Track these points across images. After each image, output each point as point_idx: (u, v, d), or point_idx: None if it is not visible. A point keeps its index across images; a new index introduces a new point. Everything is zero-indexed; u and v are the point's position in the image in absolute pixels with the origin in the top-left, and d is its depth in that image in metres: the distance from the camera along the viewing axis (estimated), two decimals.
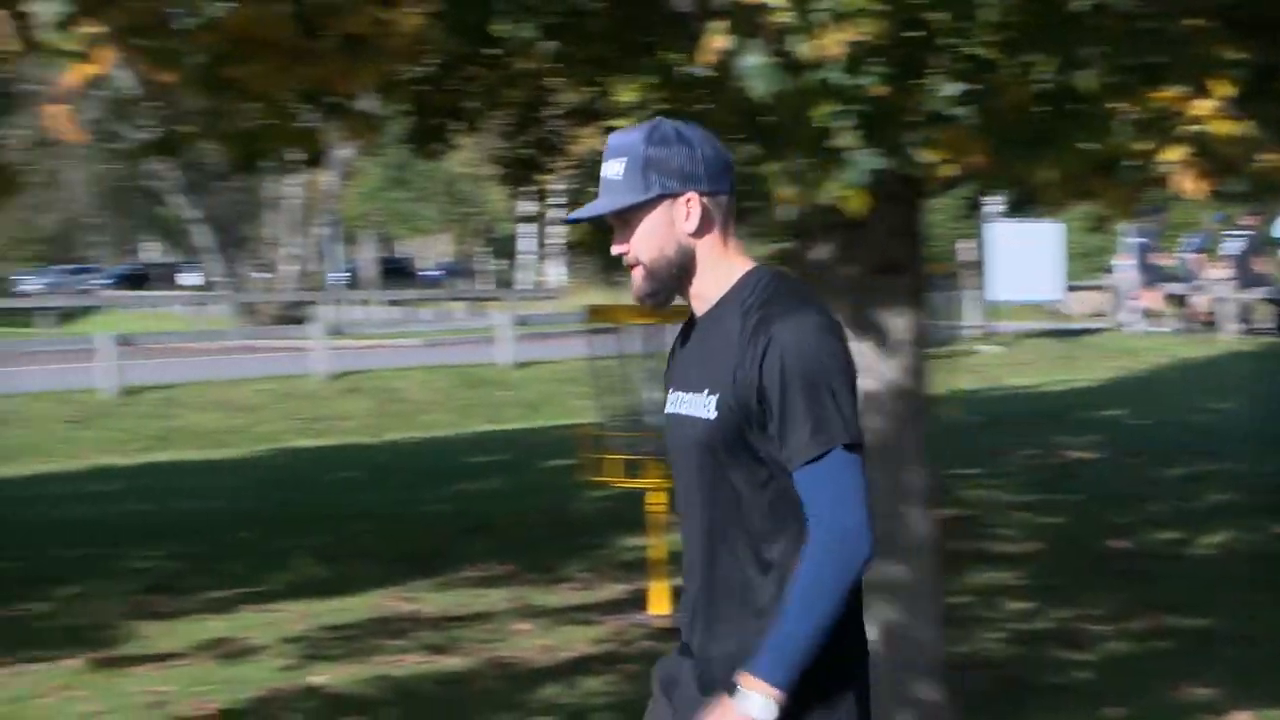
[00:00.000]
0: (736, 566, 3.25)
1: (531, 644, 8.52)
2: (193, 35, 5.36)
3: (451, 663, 8.18)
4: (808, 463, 3.05)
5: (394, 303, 44.36)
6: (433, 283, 58.00)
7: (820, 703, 3.21)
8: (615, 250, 3.40)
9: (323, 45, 5.46)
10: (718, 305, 3.31)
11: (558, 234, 48.01)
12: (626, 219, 3.27)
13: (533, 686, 7.73)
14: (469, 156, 39.79)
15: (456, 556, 10.92)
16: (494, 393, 23.19)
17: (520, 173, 9.63)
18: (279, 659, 8.32)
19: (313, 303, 37.45)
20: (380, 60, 5.64)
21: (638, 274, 3.35)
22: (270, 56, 5.35)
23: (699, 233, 3.23)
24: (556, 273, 52.27)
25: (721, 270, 3.29)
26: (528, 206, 47.59)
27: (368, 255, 55.67)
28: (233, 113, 6.22)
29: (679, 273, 3.31)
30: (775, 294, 3.25)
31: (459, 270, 63.00)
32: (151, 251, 67.43)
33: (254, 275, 48.86)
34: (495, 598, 9.62)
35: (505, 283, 52.44)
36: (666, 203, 3.21)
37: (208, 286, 47.64)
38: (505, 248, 58.61)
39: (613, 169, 3.36)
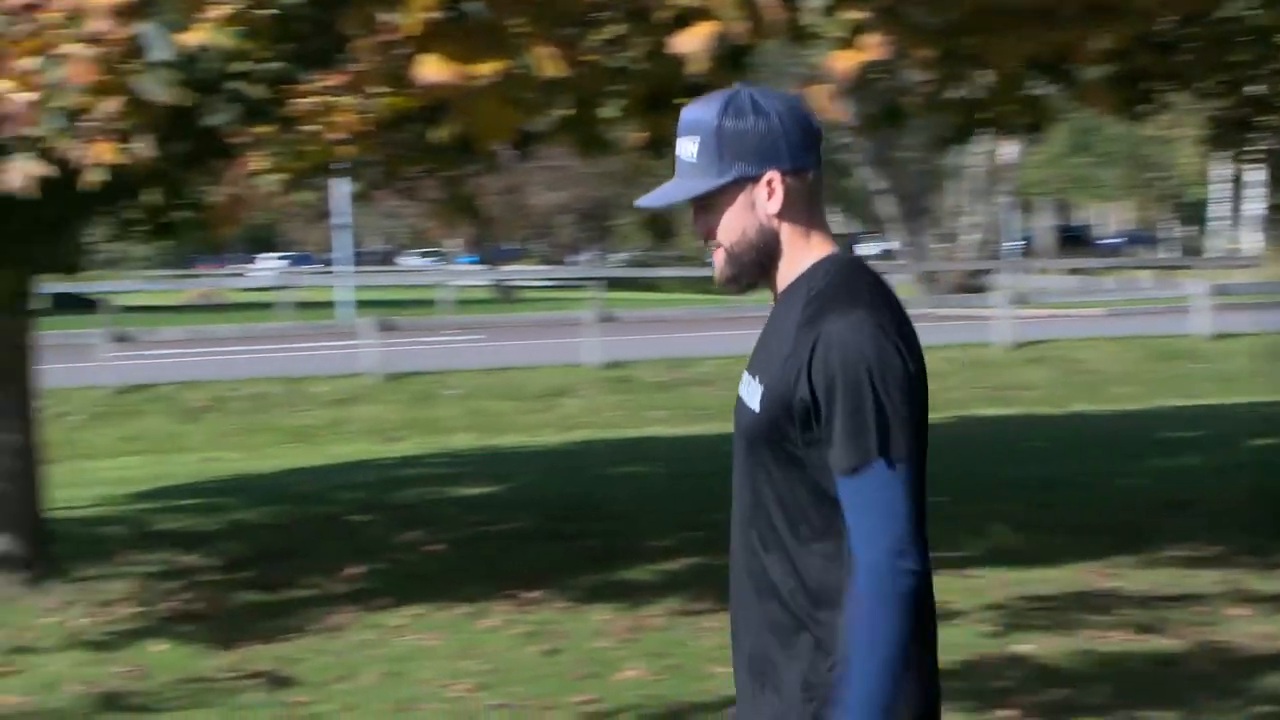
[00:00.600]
0: (758, 562, 3.04)
1: (1250, 630, 8.01)
2: (939, 7, 5.46)
3: (1161, 643, 7.84)
4: (846, 474, 2.84)
5: (1073, 271, 43.51)
6: (1111, 250, 56.49)
7: None
8: (697, 231, 3.19)
9: (1064, 11, 5.42)
10: (789, 290, 3.08)
11: (1256, 198, 45.54)
12: (705, 202, 3.06)
13: (1252, 674, 7.26)
14: (1161, 119, 38.68)
15: (1157, 533, 10.44)
16: (1187, 365, 22.24)
17: (1232, 134, 9.25)
18: (981, 625, 8.25)
19: (992, 271, 37.36)
20: (1122, 24, 5.54)
21: (719, 256, 3.15)
22: (1011, 25, 5.37)
23: (783, 214, 3.01)
24: (1252, 239, 49.50)
25: (800, 253, 3.07)
26: (1223, 170, 45.45)
27: (1044, 223, 54.87)
28: (959, 82, 6.30)
29: (762, 256, 3.10)
30: (838, 285, 3.00)
31: (1141, 238, 61.09)
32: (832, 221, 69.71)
33: (935, 245, 49.32)
34: (1205, 579, 9.12)
35: (1194, 250, 50.29)
36: (747, 185, 3.00)
37: (889, 256, 48.37)
38: (1194, 213, 56.17)
39: (686, 148, 3.12)
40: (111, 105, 6.02)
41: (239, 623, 8.87)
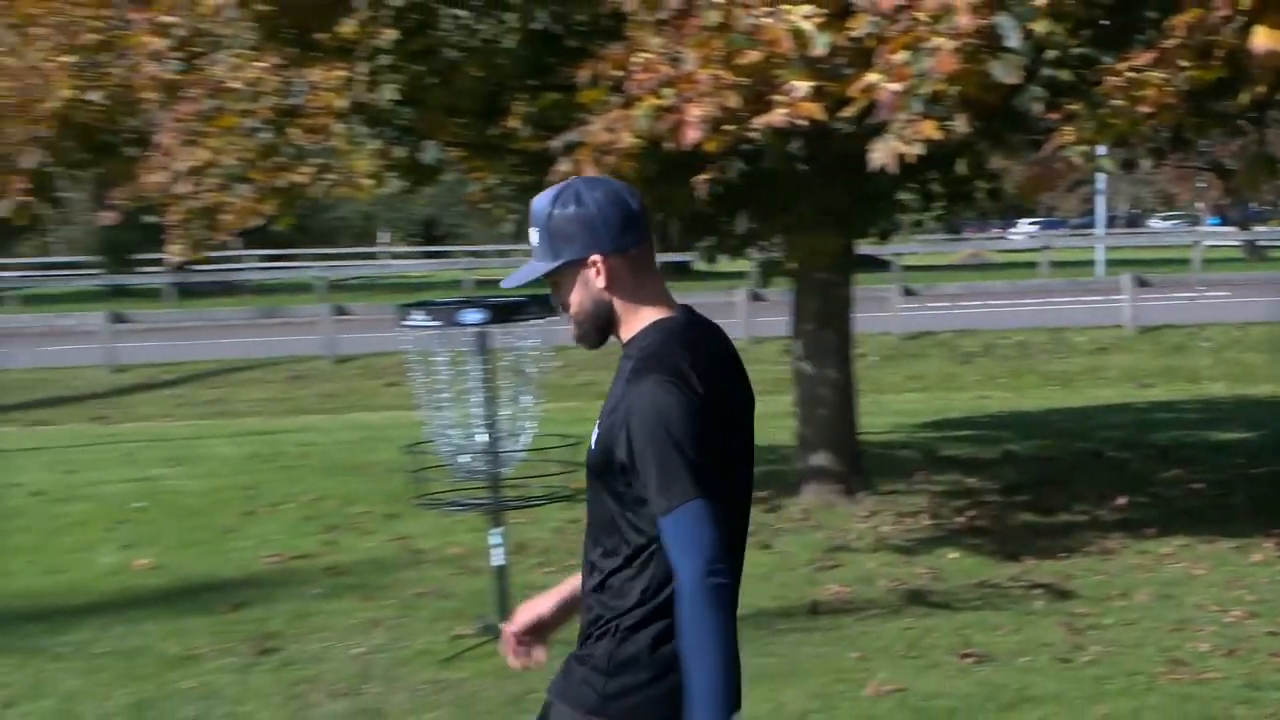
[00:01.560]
0: (590, 565, 3.39)
1: None
2: None
3: None
4: (662, 516, 3.11)
5: None
6: None
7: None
8: (555, 302, 3.47)
9: None
10: (626, 346, 3.37)
11: None
12: (552, 280, 3.37)
13: None
14: None
15: None
16: None
17: None
18: None
19: None
20: None
21: (572, 321, 3.43)
22: None
23: (610, 289, 3.29)
24: None
25: (632, 318, 3.35)
26: None
27: None
28: None
29: (601, 323, 3.37)
30: (654, 349, 3.26)
31: None
32: None
33: None
34: None
35: None
36: (578, 266, 3.29)
37: None
38: None
39: (533, 237, 3.41)
40: (966, 90, 6.30)
41: (1019, 539, 9.19)
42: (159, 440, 15.87)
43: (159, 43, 8.90)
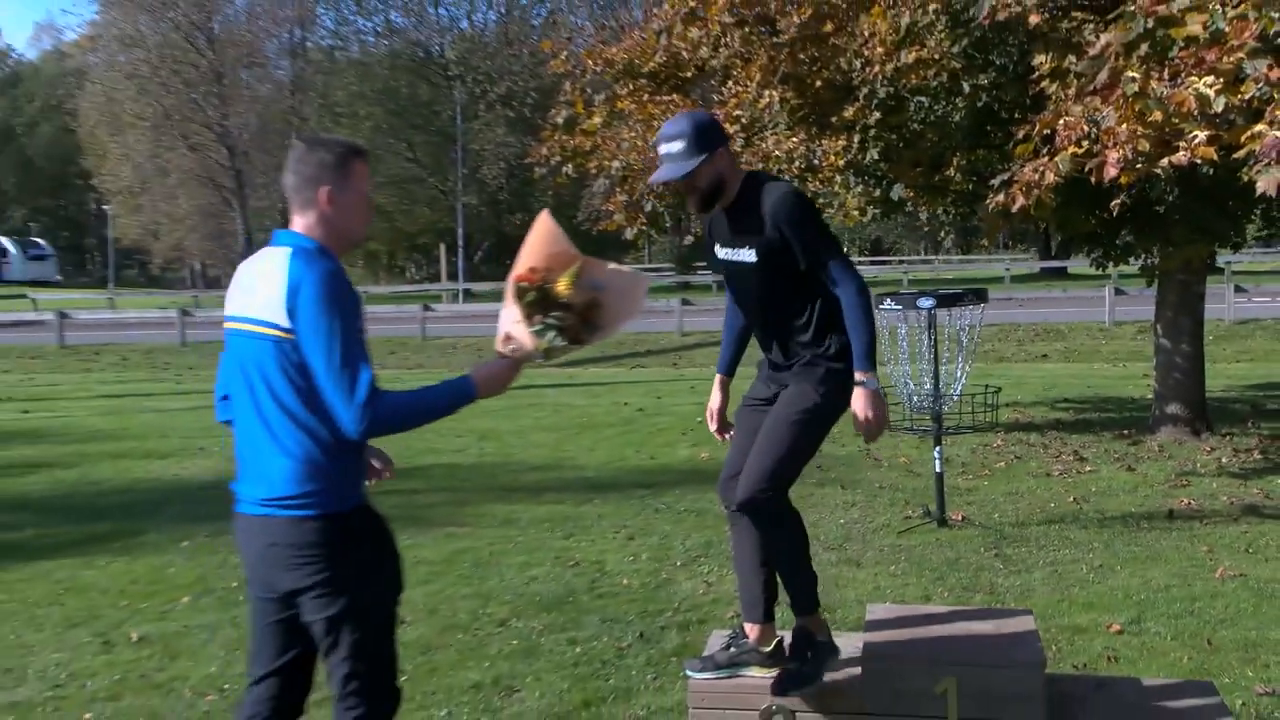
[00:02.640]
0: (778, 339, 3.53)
1: None
2: None
3: None
4: (832, 261, 3.38)
5: None
6: None
7: None
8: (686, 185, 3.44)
9: None
10: (737, 203, 3.45)
11: None
12: (696, 170, 3.35)
13: None
14: None
15: None
16: None
17: None
18: None
19: None
20: None
21: (698, 195, 3.42)
22: None
23: (728, 169, 3.43)
24: None
25: (735, 180, 3.45)
26: None
27: None
28: None
29: (718, 191, 3.42)
30: (762, 182, 3.49)
31: None
32: None
33: None
34: None
35: None
36: (711, 158, 3.37)
37: None
38: None
39: (675, 147, 3.38)
40: None
41: None
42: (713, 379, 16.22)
43: (729, 127, 8.90)
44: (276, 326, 2.59)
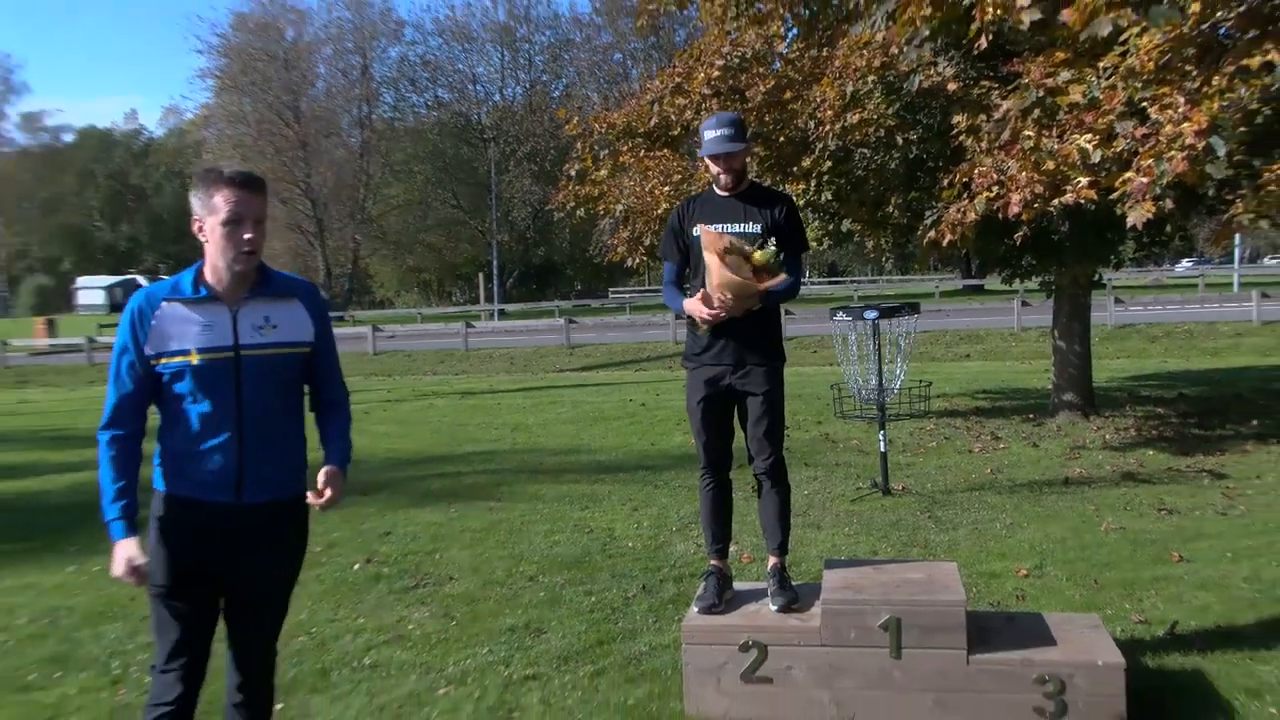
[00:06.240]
0: None
1: None
2: None
3: None
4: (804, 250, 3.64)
5: None
6: None
7: None
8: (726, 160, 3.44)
9: None
10: (748, 188, 3.58)
11: None
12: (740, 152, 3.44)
13: None
14: None
15: None
16: None
17: None
18: None
19: None
20: None
21: (734, 174, 3.44)
22: None
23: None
24: None
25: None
26: None
27: None
28: None
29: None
30: (759, 185, 3.69)
31: None
32: None
33: None
34: None
35: None
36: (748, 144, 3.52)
37: None
38: None
39: (726, 133, 3.40)
40: (1188, 180, 5.31)
41: (1190, 443, 8.29)
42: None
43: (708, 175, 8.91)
44: None
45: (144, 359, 2.38)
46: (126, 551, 2.31)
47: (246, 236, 2.35)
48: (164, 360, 2.37)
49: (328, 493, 2.43)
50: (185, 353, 2.35)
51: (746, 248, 3.36)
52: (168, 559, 2.40)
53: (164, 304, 2.38)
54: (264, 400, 2.41)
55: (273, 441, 2.43)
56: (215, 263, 2.38)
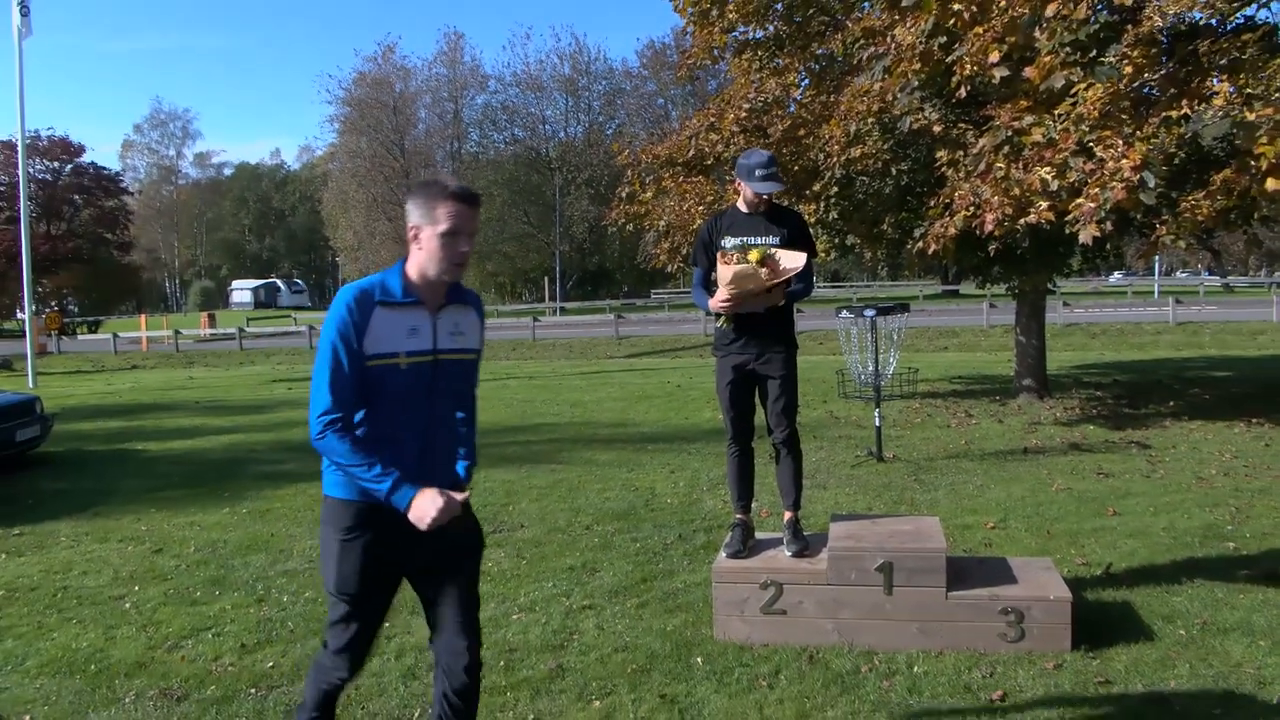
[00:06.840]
0: None
1: None
2: None
3: None
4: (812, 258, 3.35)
5: None
6: None
7: None
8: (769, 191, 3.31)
9: None
10: (769, 210, 3.42)
11: None
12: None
13: None
14: None
15: None
16: None
17: None
18: None
19: None
20: None
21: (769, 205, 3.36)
22: None
23: None
24: None
25: None
26: None
27: None
28: None
29: None
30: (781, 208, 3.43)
31: None
32: None
33: None
34: None
35: None
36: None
37: None
38: None
39: (769, 169, 3.27)
40: (1126, 206, 5.27)
41: (1123, 420, 8.19)
42: None
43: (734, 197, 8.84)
44: None
45: (360, 355, 2.01)
46: (426, 498, 1.95)
47: (463, 250, 2.05)
48: (374, 361, 2.02)
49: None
50: (394, 355, 2.02)
51: (747, 252, 3.42)
52: (359, 567, 2.05)
53: (378, 307, 2.03)
54: (449, 402, 2.14)
55: (453, 440, 2.19)
56: (425, 270, 2.06)
